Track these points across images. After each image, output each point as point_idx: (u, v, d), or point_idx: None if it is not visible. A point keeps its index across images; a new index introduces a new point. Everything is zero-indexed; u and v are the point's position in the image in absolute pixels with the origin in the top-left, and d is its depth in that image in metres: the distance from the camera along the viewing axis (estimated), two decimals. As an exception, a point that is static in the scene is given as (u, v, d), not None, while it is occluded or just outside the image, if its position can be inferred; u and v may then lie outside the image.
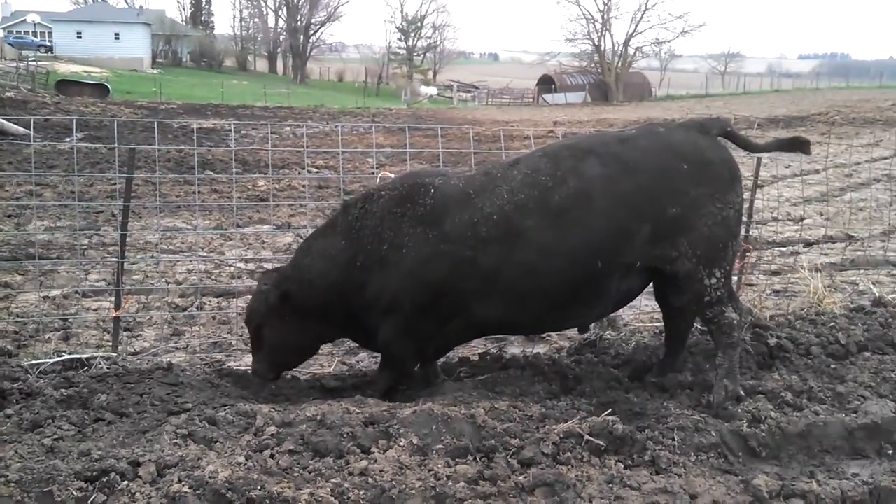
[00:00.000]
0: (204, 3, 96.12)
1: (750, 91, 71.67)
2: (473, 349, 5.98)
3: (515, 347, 6.25)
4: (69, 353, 5.41)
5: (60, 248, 9.26)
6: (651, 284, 4.92)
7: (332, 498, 3.30)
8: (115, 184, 12.63)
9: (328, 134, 25.37)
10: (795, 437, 4.08)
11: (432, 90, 70.14)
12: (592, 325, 5.92)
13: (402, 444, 3.75)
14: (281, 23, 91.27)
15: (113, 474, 3.44)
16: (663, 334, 5.48)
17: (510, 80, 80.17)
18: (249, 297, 7.49)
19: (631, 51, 73.29)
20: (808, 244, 10.12)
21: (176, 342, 6.40)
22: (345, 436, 3.83)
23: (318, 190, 14.31)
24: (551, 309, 4.67)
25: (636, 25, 73.02)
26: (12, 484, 3.31)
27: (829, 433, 4.12)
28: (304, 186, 14.03)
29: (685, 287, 4.57)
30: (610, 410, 4.19)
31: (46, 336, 6.12)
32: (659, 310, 5.40)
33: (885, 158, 17.36)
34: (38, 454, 3.72)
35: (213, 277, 8.43)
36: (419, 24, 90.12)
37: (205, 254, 9.47)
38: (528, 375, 5.07)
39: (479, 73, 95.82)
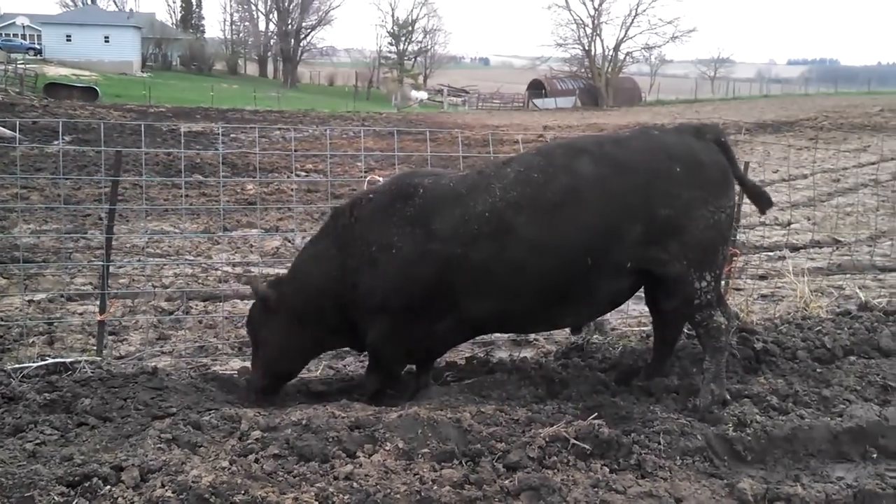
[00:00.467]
0: (194, 7, 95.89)
1: (739, 96, 71.93)
2: (460, 353, 5.96)
3: (502, 351, 6.25)
4: (53, 358, 5.36)
5: (46, 251, 9.19)
6: (641, 289, 4.93)
7: (317, 502, 3.29)
8: (102, 187, 12.54)
9: (318, 138, 25.31)
10: (781, 440, 4.09)
11: (423, 94, 70.08)
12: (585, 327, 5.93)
13: (387, 448, 3.74)
14: (272, 26, 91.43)
15: (95, 479, 3.41)
16: (652, 339, 5.49)
17: (500, 84, 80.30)
18: (236, 300, 7.53)
19: (621, 56, 73.59)
20: (795, 248, 10.18)
21: (161, 346, 6.35)
22: (330, 440, 3.81)
23: (307, 194, 14.28)
24: (542, 306, 4.67)
25: (626, 31, 73.40)
26: (-7, 489, 3.28)
27: (814, 437, 4.12)
28: (292, 190, 14.01)
29: (675, 290, 4.58)
30: (596, 414, 4.19)
31: (31, 340, 6.08)
32: (646, 314, 5.40)
33: (873, 164, 17.44)
34: (19, 459, 3.69)
35: (199, 281, 8.39)
36: (410, 28, 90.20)
37: (192, 257, 9.43)
38: (515, 379, 5.05)
39: (470, 78, 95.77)
